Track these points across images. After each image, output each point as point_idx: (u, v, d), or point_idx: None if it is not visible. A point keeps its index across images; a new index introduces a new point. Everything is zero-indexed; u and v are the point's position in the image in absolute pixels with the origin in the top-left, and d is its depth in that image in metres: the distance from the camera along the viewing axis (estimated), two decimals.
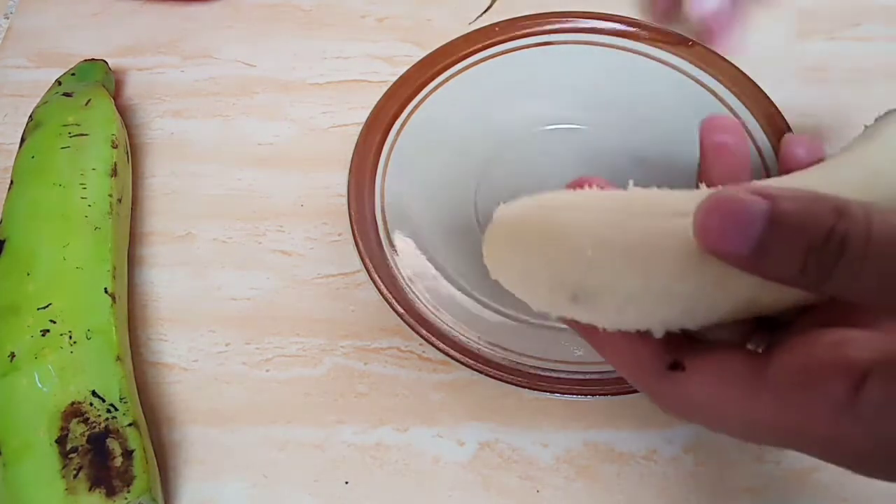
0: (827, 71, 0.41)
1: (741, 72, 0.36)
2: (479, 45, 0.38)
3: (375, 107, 0.36)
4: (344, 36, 0.43)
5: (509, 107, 0.38)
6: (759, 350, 0.21)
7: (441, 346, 0.30)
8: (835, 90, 0.41)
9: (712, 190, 0.19)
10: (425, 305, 0.31)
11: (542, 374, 0.30)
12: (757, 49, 0.42)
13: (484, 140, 0.38)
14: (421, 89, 0.37)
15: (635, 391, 0.28)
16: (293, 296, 0.35)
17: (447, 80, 0.38)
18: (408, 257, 0.33)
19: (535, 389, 0.29)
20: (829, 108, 0.40)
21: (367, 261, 0.32)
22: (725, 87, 0.36)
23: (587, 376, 0.30)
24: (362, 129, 0.35)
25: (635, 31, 0.38)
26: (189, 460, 0.32)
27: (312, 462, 0.31)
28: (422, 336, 0.30)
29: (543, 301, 0.21)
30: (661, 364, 0.21)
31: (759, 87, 0.36)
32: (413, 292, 0.32)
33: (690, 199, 0.19)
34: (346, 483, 0.31)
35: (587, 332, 0.22)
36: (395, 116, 0.36)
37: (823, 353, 0.18)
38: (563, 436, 0.31)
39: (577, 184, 0.24)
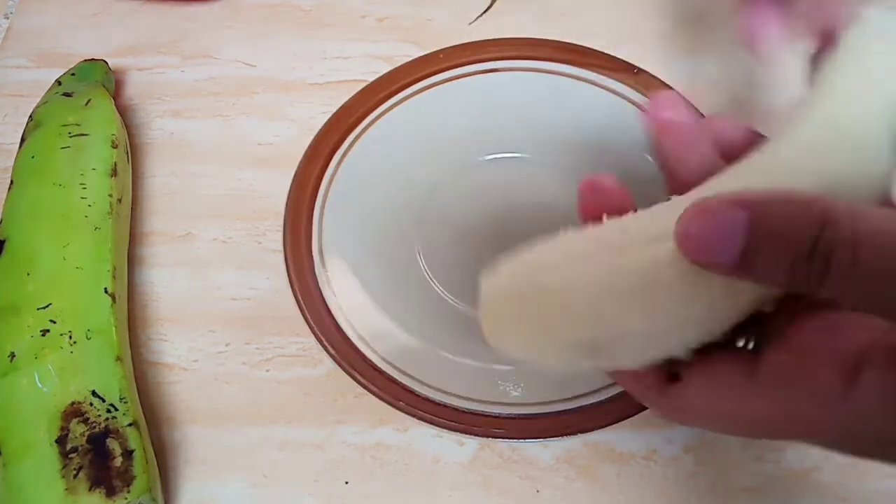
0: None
1: (686, 100, 0.36)
2: (423, 73, 0.38)
3: (315, 137, 0.36)
4: (344, 36, 0.43)
5: (453, 135, 0.37)
6: (750, 346, 0.21)
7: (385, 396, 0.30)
8: None
9: (686, 200, 0.19)
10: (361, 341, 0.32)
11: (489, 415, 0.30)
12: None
13: (427, 169, 0.37)
14: (364, 118, 0.36)
15: (573, 433, 0.29)
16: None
17: (390, 108, 0.37)
18: (345, 293, 0.33)
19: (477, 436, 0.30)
20: None
21: (308, 315, 0.32)
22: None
23: (531, 415, 0.30)
24: (301, 161, 0.35)
25: (581, 58, 0.38)
26: (189, 460, 0.32)
27: (312, 462, 0.31)
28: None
29: (560, 362, 0.21)
30: (661, 377, 0.21)
31: (703, 115, 0.35)
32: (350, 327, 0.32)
33: (669, 216, 0.19)
34: (346, 483, 0.31)
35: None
36: (337, 146, 0.36)
37: (813, 343, 0.18)
38: None
39: (588, 187, 0.23)
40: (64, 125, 0.35)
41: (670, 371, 0.21)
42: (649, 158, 0.34)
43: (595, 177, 0.24)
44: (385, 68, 0.38)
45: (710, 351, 0.20)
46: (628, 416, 0.29)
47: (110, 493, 0.27)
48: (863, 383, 0.17)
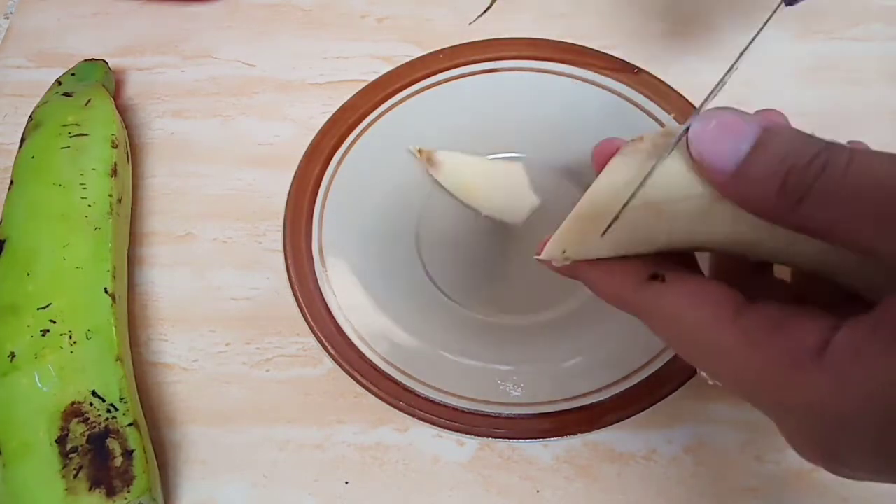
0: (827, 71, 0.41)
1: (686, 100, 0.36)
2: (423, 73, 0.37)
3: (315, 137, 0.36)
4: (344, 36, 0.43)
5: (453, 135, 0.37)
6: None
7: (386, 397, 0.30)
8: (835, 90, 0.41)
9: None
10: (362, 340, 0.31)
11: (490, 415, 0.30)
12: (756, 49, 0.42)
13: (426, 171, 0.37)
14: (364, 118, 0.36)
15: (573, 433, 0.29)
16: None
17: (390, 108, 0.37)
18: (347, 296, 0.33)
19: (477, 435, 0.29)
20: (829, 108, 0.40)
21: (311, 321, 0.31)
22: (671, 115, 0.36)
23: (528, 415, 0.30)
24: (301, 161, 0.35)
25: (581, 58, 0.37)
26: (189, 460, 0.32)
27: (312, 462, 0.31)
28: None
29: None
30: (644, 275, 0.21)
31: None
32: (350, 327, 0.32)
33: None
34: (346, 483, 0.31)
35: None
36: (337, 146, 0.36)
37: (801, 308, 0.18)
38: None
39: (602, 150, 0.23)
40: (64, 125, 0.35)
41: (655, 273, 0.21)
42: None
43: (608, 140, 0.24)
44: (385, 68, 0.38)
45: (710, 277, 0.20)
46: (628, 416, 0.29)
47: (110, 493, 0.27)
48: (835, 343, 0.17)
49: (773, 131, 0.18)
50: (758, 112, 0.22)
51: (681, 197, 0.20)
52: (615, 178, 0.21)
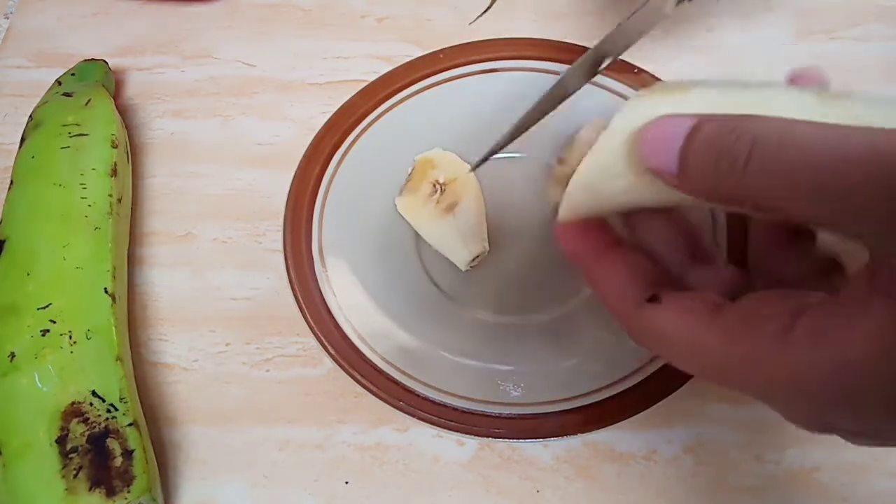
0: (827, 71, 0.41)
1: None
2: (423, 73, 0.37)
3: (315, 137, 0.36)
4: (344, 36, 0.43)
5: (453, 135, 0.37)
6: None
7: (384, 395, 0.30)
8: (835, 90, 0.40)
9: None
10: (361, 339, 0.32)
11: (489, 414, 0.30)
12: (757, 49, 0.42)
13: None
14: (364, 118, 0.36)
15: (573, 433, 0.29)
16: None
17: (390, 108, 0.37)
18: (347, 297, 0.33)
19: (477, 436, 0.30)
20: None
21: (310, 320, 0.32)
22: None
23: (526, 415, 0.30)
24: (301, 161, 0.35)
25: (579, 57, 0.37)
26: (189, 460, 0.32)
27: (312, 462, 0.31)
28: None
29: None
30: (643, 297, 0.22)
31: None
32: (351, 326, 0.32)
33: None
34: (346, 483, 0.31)
35: (586, 261, 0.24)
36: (337, 146, 0.36)
37: (775, 296, 0.20)
38: None
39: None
40: (64, 125, 0.35)
41: (653, 295, 0.22)
42: None
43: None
44: (385, 68, 0.38)
45: (699, 289, 0.22)
46: (628, 416, 0.29)
47: (110, 493, 0.27)
48: (799, 323, 0.18)
49: (701, 123, 0.19)
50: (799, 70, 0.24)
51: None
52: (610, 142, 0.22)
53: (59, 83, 0.39)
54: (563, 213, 0.24)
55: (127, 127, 0.39)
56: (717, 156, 0.18)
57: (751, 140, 0.18)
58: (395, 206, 0.36)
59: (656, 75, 0.37)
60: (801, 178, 0.17)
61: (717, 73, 0.41)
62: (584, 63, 0.22)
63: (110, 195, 0.34)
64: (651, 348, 0.23)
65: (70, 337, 0.30)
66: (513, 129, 0.28)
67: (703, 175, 0.19)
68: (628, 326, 0.23)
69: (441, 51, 0.38)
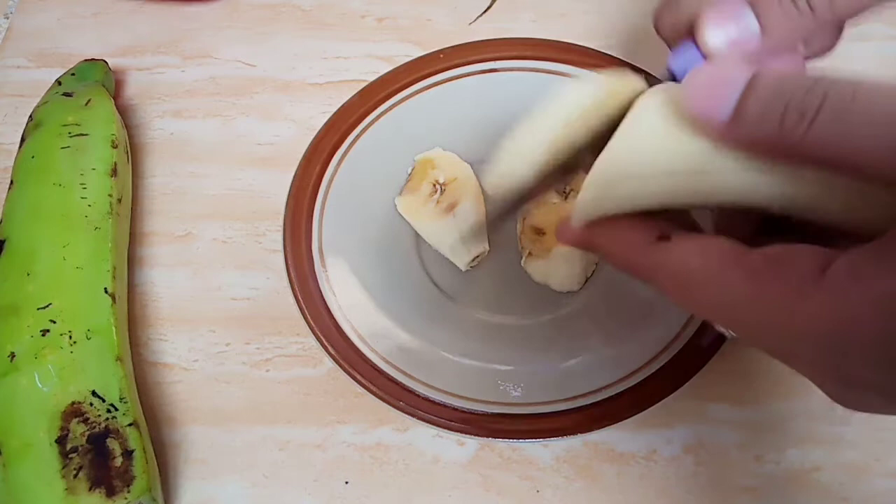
0: (827, 71, 0.41)
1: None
2: (423, 73, 0.37)
3: (315, 137, 0.36)
4: (344, 36, 0.43)
5: (453, 135, 0.37)
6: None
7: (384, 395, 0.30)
8: None
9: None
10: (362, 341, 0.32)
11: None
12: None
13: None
14: (364, 118, 0.36)
15: (573, 433, 0.29)
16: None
17: (390, 108, 0.37)
18: (348, 297, 0.33)
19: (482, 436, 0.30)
20: None
21: (311, 321, 0.32)
22: None
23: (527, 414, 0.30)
24: (301, 161, 0.35)
25: (580, 58, 0.37)
26: (189, 460, 0.32)
27: (312, 462, 0.31)
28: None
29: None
30: (651, 235, 0.21)
31: None
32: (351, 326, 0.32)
33: None
34: (346, 483, 0.31)
35: (586, 234, 0.23)
36: (337, 146, 0.36)
37: (801, 246, 0.18)
38: None
39: None
40: (64, 125, 0.35)
41: (662, 233, 0.21)
42: None
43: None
44: (385, 68, 0.38)
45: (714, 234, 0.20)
46: (628, 416, 0.29)
47: (110, 493, 0.27)
48: (831, 270, 0.17)
49: (763, 72, 0.18)
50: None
51: (675, 164, 0.20)
52: (625, 143, 0.21)
53: (59, 83, 0.39)
54: (578, 217, 0.23)
55: (127, 127, 0.39)
56: (786, 105, 0.17)
57: (823, 93, 0.17)
58: (395, 206, 0.36)
59: (656, 75, 0.37)
60: (880, 129, 0.16)
61: None
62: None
63: (110, 195, 0.34)
64: (665, 290, 0.21)
65: (70, 337, 0.30)
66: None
67: (766, 124, 0.18)
68: (640, 266, 0.21)
69: (441, 51, 0.38)
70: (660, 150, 0.20)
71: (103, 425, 0.29)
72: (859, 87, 0.17)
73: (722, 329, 0.20)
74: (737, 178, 0.20)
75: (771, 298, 0.18)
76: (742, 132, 0.18)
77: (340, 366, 0.30)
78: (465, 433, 0.29)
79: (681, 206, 0.21)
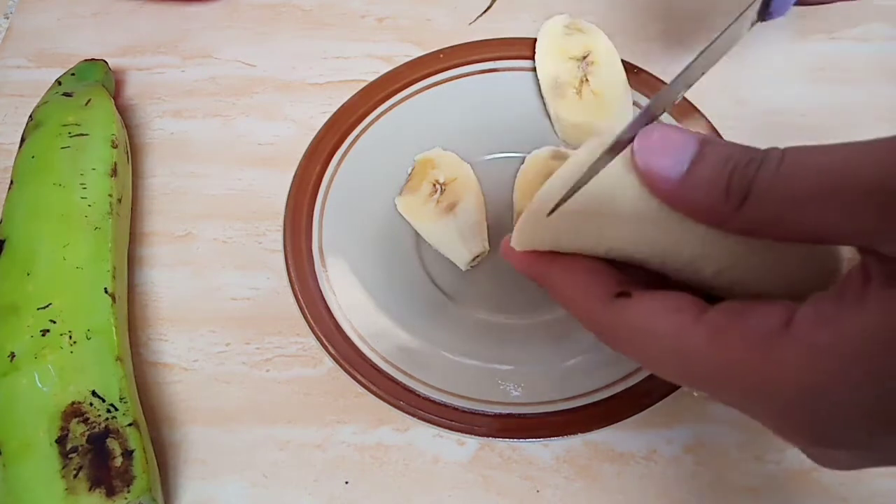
0: (827, 71, 0.41)
1: (686, 99, 0.35)
2: (423, 73, 0.38)
3: (315, 137, 0.36)
4: (344, 36, 0.43)
5: (453, 135, 0.37)
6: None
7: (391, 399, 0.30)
8: (835, 90, 0.41)
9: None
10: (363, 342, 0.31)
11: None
12: (757, 49, 0.42)
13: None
14: (364, 118, 0.36)
15: (573, 433, 0.29)
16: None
17: (390, 108, 0.37)
18: (347, 296, 0.33)
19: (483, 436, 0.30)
20: (829, 108, 0.40)
21: (312, 323, 0.31)
22: (671, 115, 0.35)
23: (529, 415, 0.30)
24: (301, 161, 0.35)
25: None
26: (189, 460, 0.32)
27: (312, 462, 0.31)
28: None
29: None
30: (610, 291, 0.20)
31: (702, 113, 0.35)
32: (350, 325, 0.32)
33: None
34: (346, 483, 0.31)
35: (540, 268, 0.22)
36: (337, 146, 0.36)
37: (762, 302, 0.18)
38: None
39: None
40: (64, 125, 0.35)
41: (622, 289, 0.20)
42: None
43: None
44: (385, 68, 0.38)
45: (672, 289, 0.20)
46: (628, 416, 0.29)
47: (110, 493, 0.27)
48: (798, 315, 0.17)
49: (712, 141, 0.19)
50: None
51: (624, 210, 0.20)
52: (568, 172, 0.21)
53: (59, 83, 0.39)
54: (519, 241, 0.22)
55: (127, 127, 0.39)
56: (730, 172, 0.18)
57: (759, 162, 0.18)
58: (395, 206, 0.36)
59: (656, 75, 0.37)
60: (804, 194, 0.17)
61: (718, 73, 0.41)
62: (663, 97, 0.21)
63: (110, 195, 0.34)
64: (623, 349, 0.20)
65: (70, 337, 0.30)
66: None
67: (711, 190, 0.18)
68: (597, 323, 0.21)
69: (441, 51, 0.38)
70: (607, 190, 0.20)
71: (103, 425, 0.29)
72: (785, 154, 0.18)
73: (687, 388, 0.20)
74: (668, 238, 0.20)
75: (736, 358, 0.18)
76: (689, 195, 0.19)
77: (340, 366, 0.30)
78: (466, 433, 0.29)
79: (622, 258, 0.21)
